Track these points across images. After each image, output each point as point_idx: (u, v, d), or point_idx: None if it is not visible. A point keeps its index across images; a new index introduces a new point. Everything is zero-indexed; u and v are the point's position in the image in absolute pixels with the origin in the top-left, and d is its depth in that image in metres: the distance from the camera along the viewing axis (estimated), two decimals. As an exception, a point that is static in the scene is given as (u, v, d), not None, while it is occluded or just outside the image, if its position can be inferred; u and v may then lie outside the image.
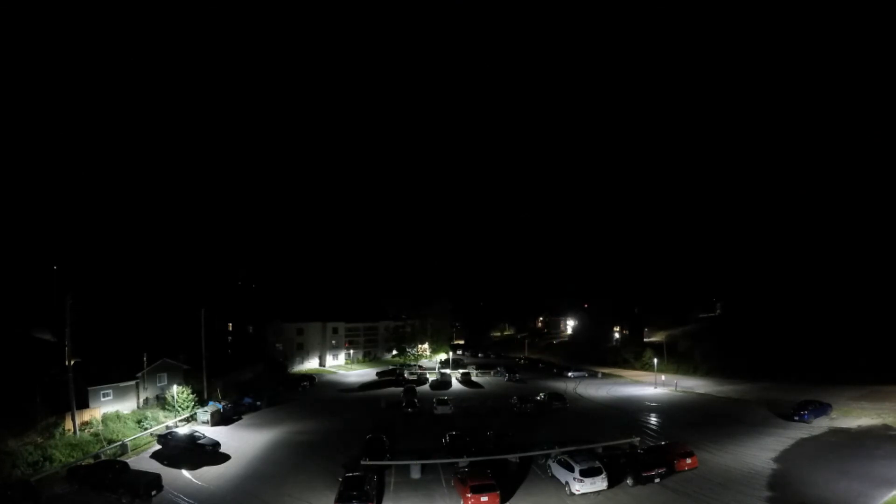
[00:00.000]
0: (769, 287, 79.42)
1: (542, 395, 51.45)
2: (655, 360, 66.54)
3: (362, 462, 29.38)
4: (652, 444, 32.79)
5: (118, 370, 43.76)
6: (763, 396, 47.95)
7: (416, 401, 49.40)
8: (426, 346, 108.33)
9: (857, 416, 37.42)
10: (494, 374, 78.45)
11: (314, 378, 71.22)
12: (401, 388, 59.29)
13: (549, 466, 29.20)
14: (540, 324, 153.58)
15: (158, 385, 47.22)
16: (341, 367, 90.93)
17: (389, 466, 30.46)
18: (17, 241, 63.69)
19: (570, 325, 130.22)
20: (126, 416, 40.54)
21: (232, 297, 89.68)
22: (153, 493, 26.64)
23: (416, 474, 29.09)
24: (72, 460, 31.15)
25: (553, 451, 29.77)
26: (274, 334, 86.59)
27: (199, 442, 34.13)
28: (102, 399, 41.03)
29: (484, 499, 24.07)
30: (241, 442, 37.49)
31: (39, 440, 32.50)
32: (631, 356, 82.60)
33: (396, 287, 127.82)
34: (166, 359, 48.39)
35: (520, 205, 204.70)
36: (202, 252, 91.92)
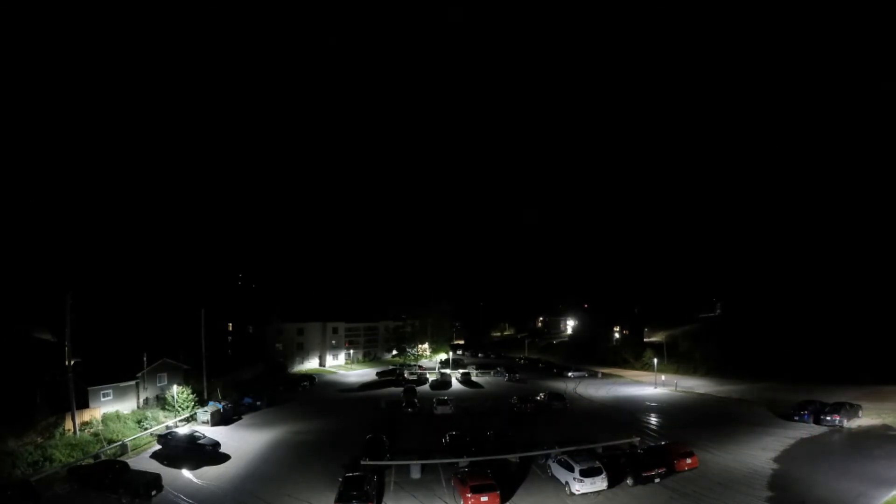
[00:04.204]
0: (769, 287, 79.37)
1: (542, 395, 51.51)
2: (655, 360, 66.53)
3: (362, 462, 29.39)
4: (652, 444, 32.75)
5: (118, 370, 43.75)
6: (763, 396, 47.98)
7: (416, 401, 49.41)
8: (426, 346, 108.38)
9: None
10: (494, 374, 78.44)
11: (314, 378, 71.24)
12: (401, 388, 59.31)
13: (549, 466, 29.19)
14: (540, 324, 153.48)
15: (158, 385, 47.23)
16: (341, 367, 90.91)
17: (389, 466, 30.45)
18: (17, 241, 63.60)
19: (570, 325, 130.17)
20: (126, 416, 40.54)
21: (232, 297, 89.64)
22: (153, 493, 26.67)
23: (416, 474, 29.09)
24: (72, 460, 31.16)
25: (553, 451, 29.77)
26: (274, 334, 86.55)
27: (199, 442, 34.12)
28: (102, 399, 41.05)
29: (484, 499, 24.06)
30: (241, 442, 37.49)
31: (39, 440, 32.53)
32: (631, 356, 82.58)
33: (396, 287, 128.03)
34: (166, 359, 48.42)
35: (520, 205, 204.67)
36: (202, 252, 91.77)
